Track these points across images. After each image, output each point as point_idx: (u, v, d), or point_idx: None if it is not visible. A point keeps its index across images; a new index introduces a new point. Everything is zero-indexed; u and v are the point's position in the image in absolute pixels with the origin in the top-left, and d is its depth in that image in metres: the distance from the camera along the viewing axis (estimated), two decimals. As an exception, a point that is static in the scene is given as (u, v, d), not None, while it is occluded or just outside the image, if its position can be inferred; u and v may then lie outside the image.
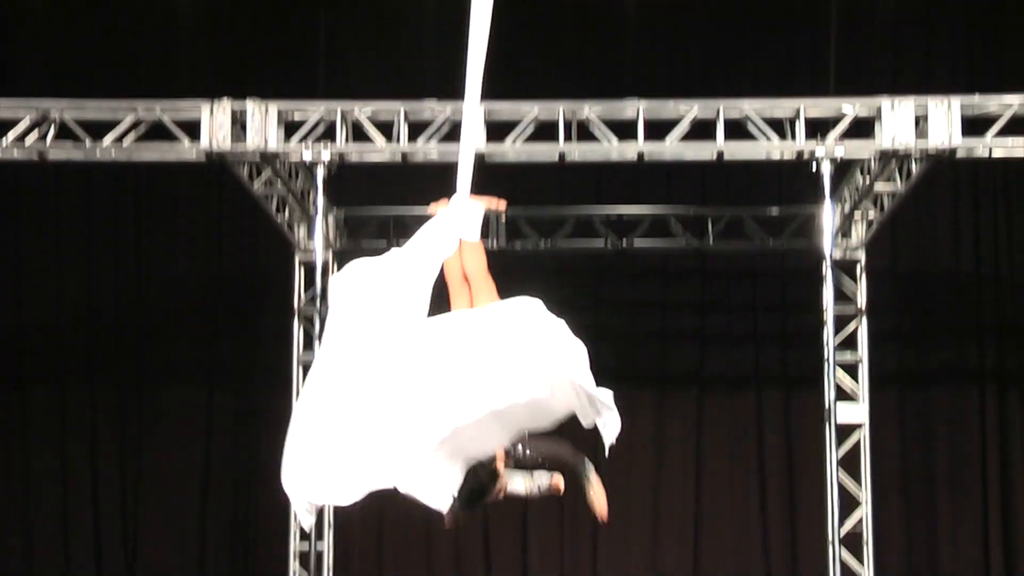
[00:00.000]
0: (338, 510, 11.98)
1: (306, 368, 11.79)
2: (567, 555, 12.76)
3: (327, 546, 11.78)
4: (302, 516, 5.68)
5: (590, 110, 10.02)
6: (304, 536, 11.52)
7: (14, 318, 13.10)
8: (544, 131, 9.94)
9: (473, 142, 6.73)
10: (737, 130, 9.97)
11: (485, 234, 7.88)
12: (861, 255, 11.95)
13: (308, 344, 11.89)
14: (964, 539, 12.65)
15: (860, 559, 11.58)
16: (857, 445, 11.65)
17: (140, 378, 13.08)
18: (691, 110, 9.99)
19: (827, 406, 10.16)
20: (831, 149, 9.80)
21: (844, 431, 11.32)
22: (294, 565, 11.84)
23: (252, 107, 9.92)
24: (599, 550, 12.73)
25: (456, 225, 6.57)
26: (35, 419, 13.03)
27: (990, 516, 12.62)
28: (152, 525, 12.98)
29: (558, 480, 6.67)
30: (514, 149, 9.84)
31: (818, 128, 10.02)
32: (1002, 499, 12.65)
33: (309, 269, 11.86)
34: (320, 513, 11.33)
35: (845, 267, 11.85)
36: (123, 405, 13.07)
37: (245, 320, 13.08)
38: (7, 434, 13.02)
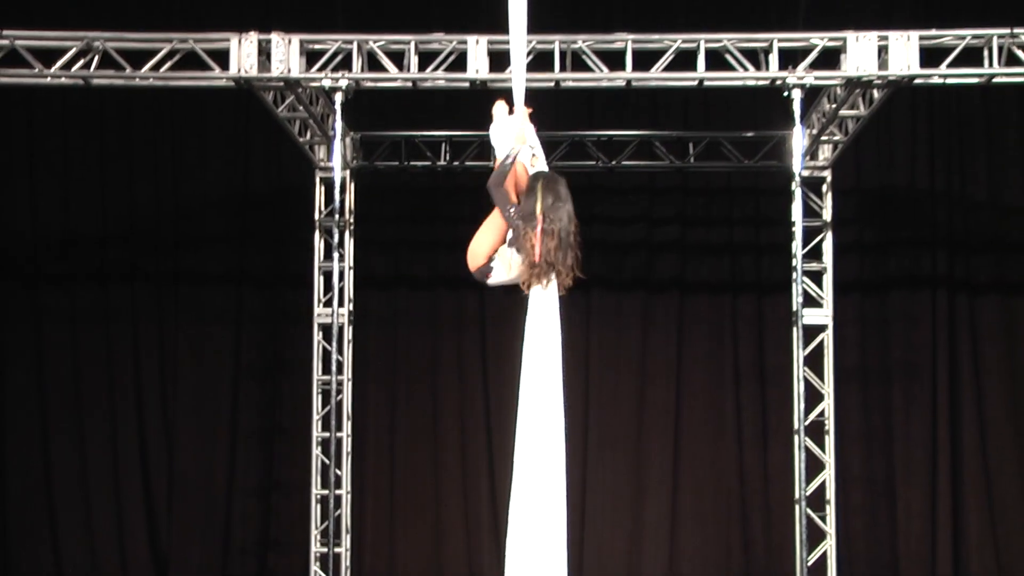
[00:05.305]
0: (354, 514, 12.20)
1: (326, 275, 11.85)
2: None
3: (344, 549, 11.89)
4: None
5: (583, 42, 9.98)
6: (323, 541, 11.68)
7: (63, 226, 13.07)
8: (541, 61, 9.91)
9: (521, 73, 7.03)
10: (716, 60, 9.92)
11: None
12: (827, 174, 11.93)
13: (327, 253, 11.90)
14: (917, 424, 12.67)
15: (822, 446, 11.69)
16: (821, 345, 11.71)
17: (176, 279, 13.06)
18: (675, 42, 9.94)
19: (795, 310, 10.19)
20: (801, 77, 9.77)
21: (810, 332, 11.35)
22: (314, 567, 11.96)
23: (276, 38, 9.88)
24: (588, 442, 12.80)
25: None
26: (82, 315, 13.00)
27: (938, 403, 12.63)
28: (187, 410, 13.06)
29: None
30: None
31: (789, 59, 9.97)
32: (951, 389, 12.66)
33: (328, 185, 11.85)
34: (338, 520, 11.41)
35: (813, 185, 11.81)
36: (161, 304, 13.04)
37: (270, 230, 13.06)
38: (58, 328, 13.01)
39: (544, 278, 6.56)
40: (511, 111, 7.07)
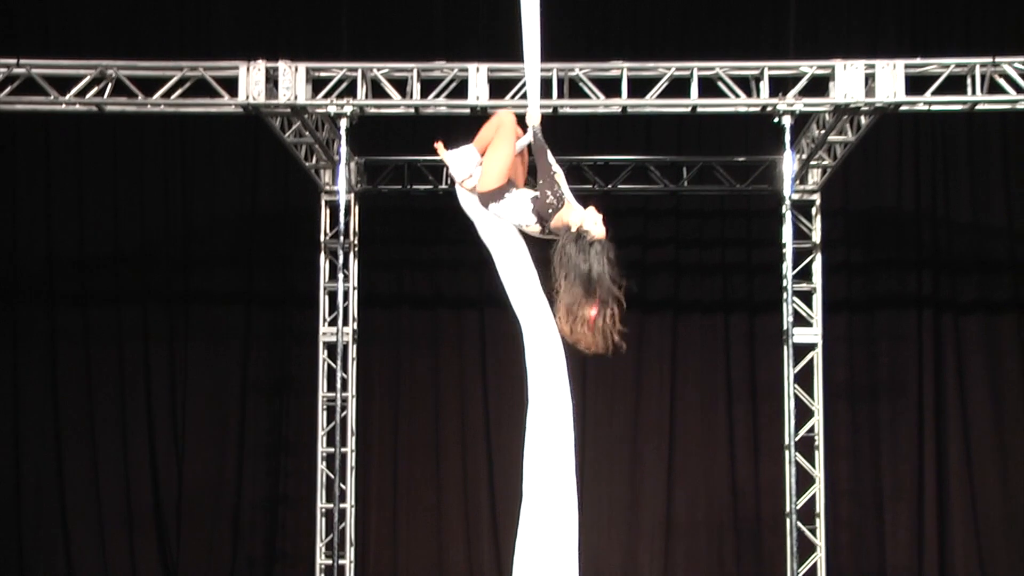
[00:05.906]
0: (358, 527, 12.15)
1: (331, 295, 11.87)
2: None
3: (348, 561, 11.87)
4: None
5: (580, 70, 10.03)
6: (328, 553, 11.69)
7: (77, 247, 13.12)
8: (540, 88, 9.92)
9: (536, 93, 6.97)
10: (709, 87, 9.98)
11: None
12: (816, 197, 11.98)
13: (332, 274, 11.95)
14: (903, 438, 12.71)
15: (812, 460, 11.70)
16: (811, 363, 11.73)
17: (186, 299, 13.10)
18: (669, 69, 10.00)
19: (785, 328, 10.21)
20: (791, 104, 9.81)
21: (800, 350, 11.40)
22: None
23: (283, 66, 9.95)
24: (585, 456, 12.80)
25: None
26: (95, 334, 13.03)
27: (925, 418, 12.67)
28: (196, 426, 13.08)
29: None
30: (514, 103, 9.82)
31: (780, 86, 10.01)
32: (936, 405, 12.69)
33: (333, 208, 11.88)
34: (342, 532, 11.38)
35: (802, 208, 11.87)
36: (171, 323, 13.07)
37: (277, 251, 13.09)
38: (72, 345, 13.04)
39: (587, 336, 6.39)
40: (447, 146, 7.05)
